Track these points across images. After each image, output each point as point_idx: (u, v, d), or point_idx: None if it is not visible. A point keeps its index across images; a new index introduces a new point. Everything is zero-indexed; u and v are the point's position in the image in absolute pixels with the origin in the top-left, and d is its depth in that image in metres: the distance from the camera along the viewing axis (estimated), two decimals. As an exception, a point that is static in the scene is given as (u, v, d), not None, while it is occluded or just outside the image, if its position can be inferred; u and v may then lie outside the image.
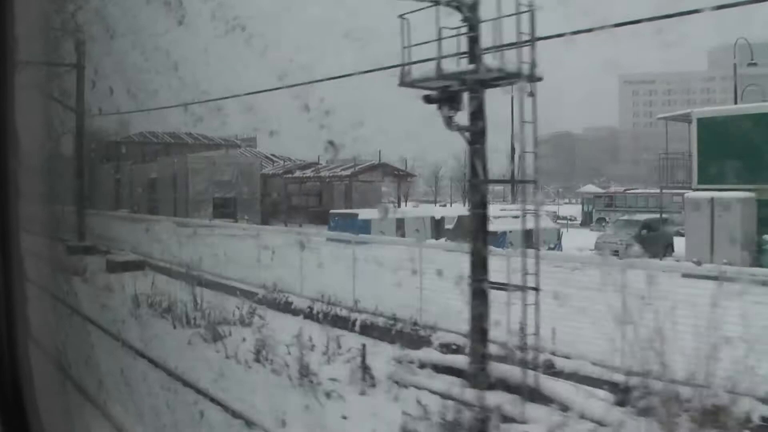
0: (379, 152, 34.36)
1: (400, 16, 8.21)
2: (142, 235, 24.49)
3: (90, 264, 18.69)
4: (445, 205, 44.43)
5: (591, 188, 75.94)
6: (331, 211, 30.38)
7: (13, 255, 2.41)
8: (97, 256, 22.51)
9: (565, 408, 6.83)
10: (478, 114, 8.02)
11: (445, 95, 8.00)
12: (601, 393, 7.33)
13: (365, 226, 23.54)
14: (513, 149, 43.30)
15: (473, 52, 7.84)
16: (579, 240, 24.25)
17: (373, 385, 8.49)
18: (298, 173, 38.57)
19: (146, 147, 51.70)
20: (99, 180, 48.53)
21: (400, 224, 24.72)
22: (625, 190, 64.97)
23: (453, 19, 7.89)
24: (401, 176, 37.58)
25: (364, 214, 24.31)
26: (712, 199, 19.75)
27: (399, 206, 37.01)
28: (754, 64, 32.79)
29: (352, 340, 9.76)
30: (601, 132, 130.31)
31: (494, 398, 7.06)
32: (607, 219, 43.03)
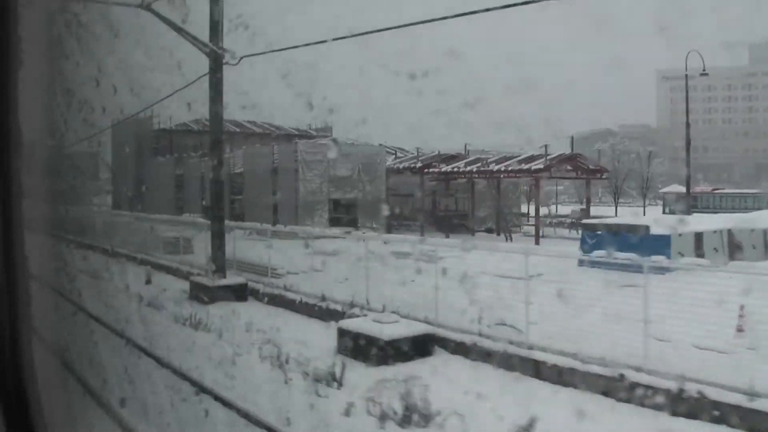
0: (572, 139, 26.47)
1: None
2: (290, 259, 16.16)
3: (308, 339, 10.53)
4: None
5: (676, 188, 69.77)
6: (584, 221, 22.55)
7: (17, 253, 2.37)
8: (291, 312, 13.44)
9: None
10: None
11: None
12: None
13: (661, 245, 15.87)
14: (688, 142, 35.57)
15: None
16: None
17: None
18: (442, 167, 30.29)
19: (205, 137, 43.30)
20: (154, 177, 40.03)
21: (698, 240, 17.04)
22: (712, 189, 60.19)
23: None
24: (592, 172, 29.38)
25: (658, 226, 16.60)
26: None
27: (587, 210, 29.32)
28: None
29: None
30: (638, 130, 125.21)
31: None
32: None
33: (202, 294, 14.83)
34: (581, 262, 15.53)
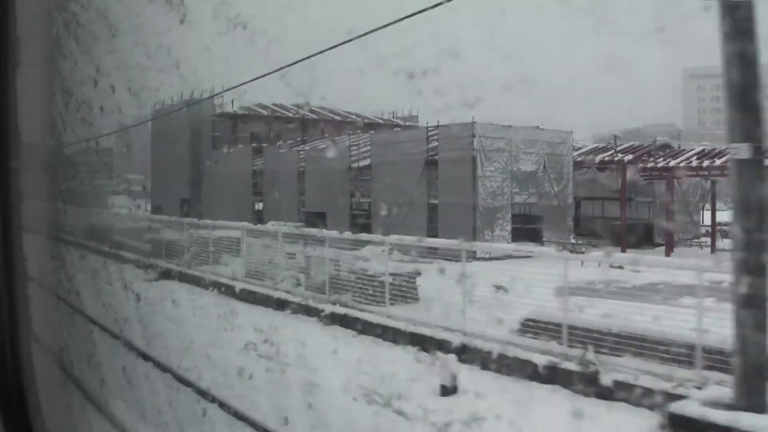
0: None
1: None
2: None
3: None
4: None
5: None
6: None
7: (16, 254, 2.34)
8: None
9: None
10: None
11: None
12: None
13: None
14: None
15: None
16: None
17: None
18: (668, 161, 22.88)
19: (275, 124, 36.57)
20: (216, 173, 32.72)
21: None
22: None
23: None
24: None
25: None
26: None
27: None
28: None
29: None
30: (662, 129, 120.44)
31: None
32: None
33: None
34: None
